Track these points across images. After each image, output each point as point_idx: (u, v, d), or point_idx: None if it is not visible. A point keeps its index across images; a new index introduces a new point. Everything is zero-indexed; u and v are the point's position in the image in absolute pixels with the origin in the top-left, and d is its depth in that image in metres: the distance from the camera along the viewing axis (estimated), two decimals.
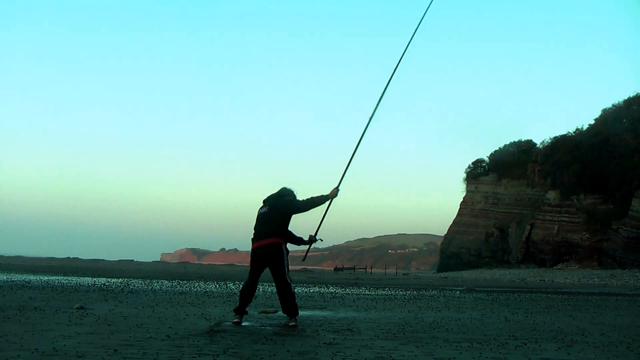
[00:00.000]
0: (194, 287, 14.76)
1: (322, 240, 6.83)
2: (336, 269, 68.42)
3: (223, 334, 5.42)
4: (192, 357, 4.13)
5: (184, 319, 6.65)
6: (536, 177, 64.31)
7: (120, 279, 17.95)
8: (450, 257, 71.17)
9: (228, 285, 16.65)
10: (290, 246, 6.61)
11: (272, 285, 14.66)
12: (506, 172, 68.66)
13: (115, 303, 8.57)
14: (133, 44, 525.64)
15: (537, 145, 67.92)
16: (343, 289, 16.83)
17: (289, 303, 6.38)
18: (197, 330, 5.58)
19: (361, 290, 16.79)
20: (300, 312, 6.84)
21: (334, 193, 6.69)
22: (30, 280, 15.16)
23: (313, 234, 6.80)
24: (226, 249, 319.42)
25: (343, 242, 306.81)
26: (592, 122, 61.32)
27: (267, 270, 6.52)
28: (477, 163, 75.21)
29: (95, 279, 17.35)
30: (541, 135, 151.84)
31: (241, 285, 6.42)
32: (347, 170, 6.93)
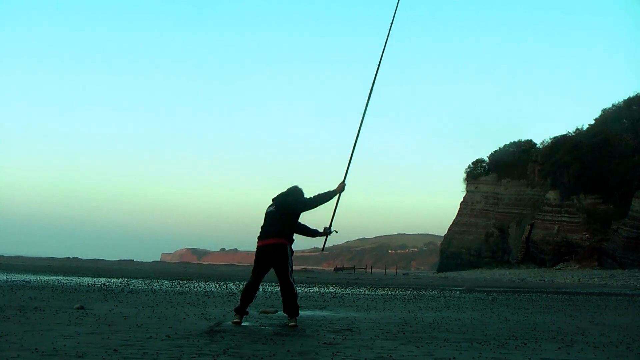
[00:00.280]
0: (194, 287, 14.76)
1: (337, 232, 6.81)
2: (336, 269, 68.46)
3: (223, 334, 5.42)
4: (192, 357, 4.13)
5: (184, 319, 6.65)
6: (536, 177, 64.32)
7: (120, 279, 17.95)
8: (450, 257, 71.18)
9: (228, 285, 16.65)
10: (293, 246, 6.61)
11: (272, 286, 14.72)
12: (506, 172, 68.68)
13: (115, 303, 8.56)
14: (133, 44, 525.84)
15: (537, 145, 67.98)
16: (343, 289, 16.83)
17: (290, 303, 6.39)
18: (197, 330, 5.58)
19: (361, 290, 16.79)
20: (300, 312, 6.84)
21: (341, 187, 6.70)
22: (30, 280, 15.15)
23: (327, 226, 6.79)
24: (226, 249, 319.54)
25: (343, 242, 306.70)
26: (592, 122, 61.40)
27: (268, 271, 6.53)
28: (477, 163, 75.25)
29: (95, 279, 17.35)
30: (541, 135, 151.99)
31: (242, 285, 6.42)
32: (351, 164, 6.93)
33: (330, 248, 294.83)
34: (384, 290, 17.17)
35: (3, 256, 66.60)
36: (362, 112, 7.16)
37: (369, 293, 14.96)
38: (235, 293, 12.31)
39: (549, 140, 65.08)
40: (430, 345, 5.12)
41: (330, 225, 6.80)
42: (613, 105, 60.88)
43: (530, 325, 7.19)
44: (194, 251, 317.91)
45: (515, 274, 44.51)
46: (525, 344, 5.36)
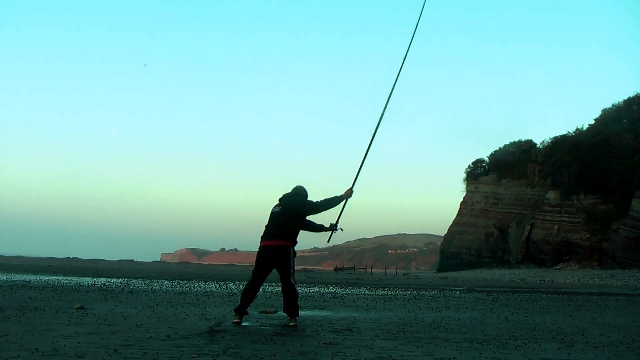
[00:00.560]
0: (194, 287, 14.76)
1: (342, 230, 6.83)
2: (336, 269, 68.44)
3: (223, 334, 5.41)
4: (192, 357, 4.13)
5: (184, 319, 6.64)
6: (536, 177, 64.29)
7: (120, 279, 17.95)
8: (450, 257, 71.14)
9: (228, 285, 16.64)
10: (296, 247, 6.61)
11: (272, 286, 14.73)
12: (506, 172, 68.63)
13: (115, 303, 8.56)
14: (133, 44, 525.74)
15: (537, 145, 67.93)
16: (343, 289, 16.83)
17: (291, 303, 6.40)
18: (197, 330, 5.58)
19: (361, 290, 16.79)
20: (300, 312, 6.84)
21: (348, 194, 6.70)
22: (30, 280, 15.15)
23: (334, 223, 6.80)
24: (226, 249, 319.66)
25: (343, 242, 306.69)
26: (592, 122, 61.32)
27: (270, 272, 6.52)
28: (477, 163, 75.21)
29: (95, 279, 17.35)
30: (541, 135, 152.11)
31: (242, 285, 6.41)
32: (361, 172, 6.92)
33: (330, 248, 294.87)
34: (384, 290, 17.17)
35: (3, 256, 66.61)
36: (377, 122, 7.16)
37: (369, 293, 14.96)
38: (235, 293, 12.31)
39: (549, 140, 65.08)
40: (430, 345, 5.12)
41: (337, 222, 6.81)
42: (613, 105, 60.87)
43: (530, 325, 7.19)
44: (194, 251, 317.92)
45: (515, 274, 44.49)
46: (525, 344, 5.35)
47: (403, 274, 61.45)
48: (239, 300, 6.45)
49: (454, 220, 74.29)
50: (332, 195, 6.68)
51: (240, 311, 6.35)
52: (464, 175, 75.28)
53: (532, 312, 9.64)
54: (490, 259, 65.62)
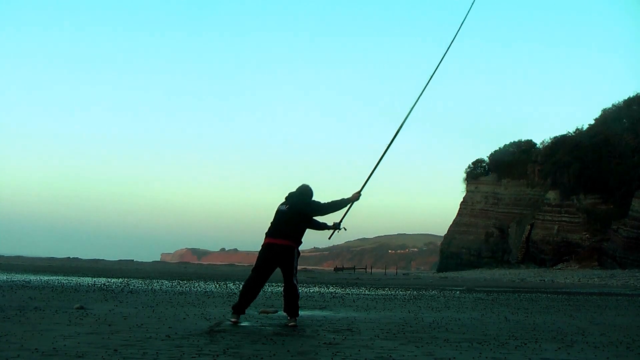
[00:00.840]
0: (194, 287, 14.75)
1: (345, 230, 6.85)
2: (336, 269, 68.43)
3: (223, 334, 5.41)
4: (192, 357, 4.13)
5: (184, 319, 6.64)
6: (536, 177, 64.29)
7: (120, 279, 17.94)
8: (450, 257, 71.15)
9: (228, 285, 16.64)
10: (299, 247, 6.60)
11: (272, 286, 14.73)
12: (506, 172, 68.64)
13: (115, 303, 8.56)
14: (133, 44, 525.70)
15: (537, 145, 67.94)
16: (343, 289, 16.82)
17: (291, 303, 6.40)
18: (197, 330, 5.58)
19: (361, 290, 16.78)
20: (300, 312, 6.84)
21: (356, 197, 6.68)
22: (30, 280, 15.15)
23: (338, 222, 6.81)
24: (226, 249, 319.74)
25: (343, 242, 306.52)
26: (592, 122, 61.33)
27: (273, 272, 6.50)
28: (477, 163, 75.22)
29: (95, 279, 17.34)
30: (541, 135, 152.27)
31: (242, 285, 6.36)
32: (372, 176, 6.93)
33: (330, 248, 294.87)
34: (384, 290, 17.16)
35: (3, 256, 66.60)
36: (397, 129, 7.19)
37: (369, 293, 14.95)
38: (235, 293, 12.30)
39: (549, 140, 65.09)
40: (430, 345, 5.12)
41: (341, 221, 6.82)
42: (613, 105, 60.87)
43: (530, 325, 7.18)
44: (194, 251, 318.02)
45: (515, 274, 44.49)
46: (525, 344, 5.35)
47: (403, 274, 61.44)
48: (238, 299, 6.38)
49: (454, 220, 74.29)
50: (340, 198, 6.67)
51: (239, 310, 6.32)
52: (464, 175, 75.37)
53: (532, 312, 9.63)
54: (490, 259, 65.62)
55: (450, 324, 7.03)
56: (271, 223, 6.55)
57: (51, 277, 17.65)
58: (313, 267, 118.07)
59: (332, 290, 15.59)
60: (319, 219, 6.75)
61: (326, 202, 6.65)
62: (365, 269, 75.31)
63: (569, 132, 62.62)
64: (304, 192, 6.67)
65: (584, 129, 60.81)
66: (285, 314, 6.54)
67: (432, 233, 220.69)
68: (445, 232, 76.19)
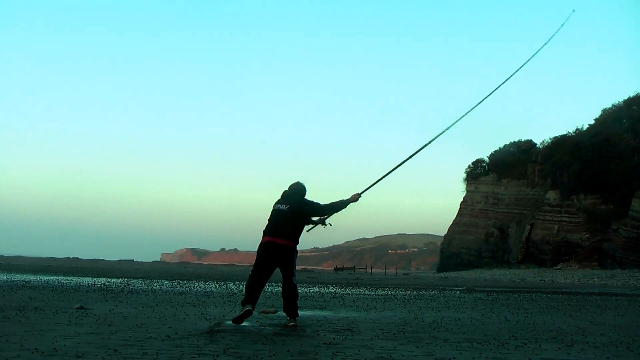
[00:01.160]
0: (194, 287, 14.75)
1: (331, 225, 6.86)
2: (336, 269, 68.36)
3: (223, 334, 5.42)
4: (192, 357, 4.13)
5: (184, 319, 6.64)
6: (536, 177, 64.28)
7: (120, 279, 17.95)
8: (450, 257, 71.14)
9: (228, 285, 16.64)
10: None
11: (272, 286, 14.72)
12: (506, 172, 68.62)
13: (115, 303, 8.56)
14: (133, 44, 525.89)
15: (537, 145, 67.93)
16: (343, 289, 16.82)
17: (291, 303, 6.40)
18: (197, 330, 5.58)
19: (361, 290, 16.78)
20: (300, 312, 6.84)
21: (355, 198, 6.68)
22: (30, 280, 15.15)
23: (324, 217, 6.82)
24: (226, 249, 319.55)
25: (343, 242, 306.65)
26: (592, 122, 61.31)
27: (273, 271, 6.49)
28: (477, 163, 75.19)
29: (95, 279, 17.35)
30: (541, 135, 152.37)
31: (242, 286, 6.32)
32: (377, 184, 6.93)
33: (330, 248, 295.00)
34: (384, 290, 17.16)
35: (3, 256, 66.58)
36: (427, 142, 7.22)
37: (369, 293, 14.95)
38: (235, 293, 12.31)
39: (549, 140, 65.09)
40: (430, 345, 5.12)
41: (326, 217, 6.81)
42: (613, 105, 60.85)
43: (530, 325, 7.18)
44: (194, 251, 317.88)
45: (515, 274, 44.48)
46: (525, 344, 5.35)
47: (403, 274, 61.43)
48: (245, 293, 6.20)
49: (454, 220, 74.27)
50: (339, 199, 6.67)
51: (252, 300, 6.09)
52: (464, 175, 75.34)
53: (532, 312, 9.64)
54: (490, 259, 65.62)
55: (450, 324, 7.03)
56: (269, 222, 6.53)
57: (51, 277, 17.65)
58: (313, 267, 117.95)
59: (332, 290, 15.59)
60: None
61: (326, 203, 6.64)
62: (365, 269, 75.27)
63: (569, 132, 62.69)
64: (301, 191, 6.67)
65: (584, 129, 60.81)
66: (284, 314, 6.54)
67: (432, 233, 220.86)
68: (445, 232, 76.18)
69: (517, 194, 66.71)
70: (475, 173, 73.76)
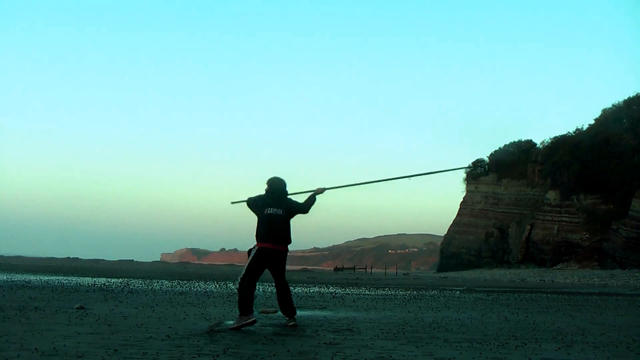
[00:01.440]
0: (194, 287, 14.76)
1: None
2: (336, 269, 68.39)
3: (223, 334, 5.42)
4: (192, 357, 4.13)
5: (184, 319, 6.64)
6: (536, 177, 64.31)
7: (120, 279, 17.95)
8: (450, 257, 71.16)
9: (228, 285, 16.64)
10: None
11: (272, 286, 14.67)
12: (506, 172, 68.65)
13: (115, 303, 8.56)
14: (133, 44, 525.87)
15: (537, 145, 67.98)
16: (343, 289, 16.82)
17: (289, 303, 6.40)
18: (197, 330, 5.58)
19: (361, 290, 16.78)
20: (300, 312, 6.85)
21: (320, 191, 6.74)
22: (30, 280, 15.15)
23: None
24: (226, 249, 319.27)
25: (343, 242, 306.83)
26: (592, 122, 61.35)
27: (266, 272, 6.50)
28: (477, 163, 75.22)
29: (95, 279, 17.35)
30: (541, 135, 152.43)
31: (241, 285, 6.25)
32: (345, 188, 7.10)
33: (330, 248, 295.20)
34: (384, 290, 17.16)
35: (3, 256, 66.58)
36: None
37: (369, 293, 14.95)
38: (235, 293, 12.29)
39: (549, 140, 65.14)
40: (430, 345, 5.12)
41: None
42: (613, 105, 60.89)
43: (530, 325, 7.18)
44: (194, 251, 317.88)
45: (515, 274, 44.49)
46: (525, 344, 5.35)
47: (403, 274, 61.42)
48: (245, 303, 6.04)
49: (454, 220, 74.29)
50: (309, 196, 6.71)
51: (252, 308, 6.10)
52: (464, 175, 75.37)
53: (532, 312, 9.63)
54: (490, 259, 65.63)
55: (450, 324, 7.03)
56: (265, 226, 6.32)
57: (51, 277, 17.65)
58: (313, 267, 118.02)
59: (332, 290, 15.59)
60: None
61: (305, 201, 6.66)
62: (365, 269, 75.27)
63: (569, 132, 62.76)
64: (286, 190, 6.62)
65: (584, 129, 60.86)
66: (284, 314, 6.52)
67: (432, 233, 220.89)
68: (445, 232, 76.21)
69: (517, 194, 66.73)
70: (475, 173, 73.76)
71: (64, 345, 4.44)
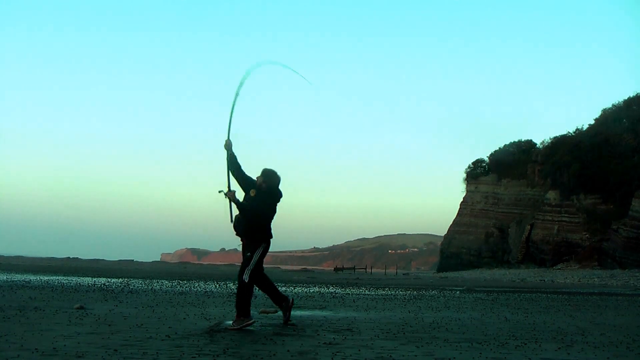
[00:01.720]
0: (194, 287, 14.76)
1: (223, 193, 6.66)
2: (336, 269, 68.38)
3: (223, 334, 5.42)
4: (192, 357, 4.13)
5: (184, 319, 6.65)
6: (536, 177, 64.31)
7: (120, 279, 17.95)
8: (450, 257, 71.16)
9: (228, 285, 16.64)
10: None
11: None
12: (506, 172, 68.68)
13: (115, 303, 8.56)
14: (133, 44, 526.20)
15: (537, 145, 68.01)
16: (343, 289, 16.82)
17: (276, 292, 6.49)
18: (197, 330, 5.58)
19: (361, 290, 16.78)
20: (300, 312, 6.85)
21: (228, 143, 6.50)
22: (30, 280, 15.15)
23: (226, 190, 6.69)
24: (226, 249, 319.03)
25: (343, 242, 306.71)
26: (592, 122, 61.46)
27: (266, 271, 6.54)
28: (477, 163, 75.25)
29: (95, 279, 17.35)
30: (541, 135, 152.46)
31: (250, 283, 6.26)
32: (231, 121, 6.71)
33: (330, 248, 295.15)
34: (384, 290, 17.16)
35: (3, 256, 66.62)
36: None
37: (369, 293, 14.95)
38: (235, 293, 12.30)
39: (549, 140, 65.17)
40: (430, 345, 5.12)
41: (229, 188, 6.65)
42: (613, 105, 60.98)
43: (530, 325, 7.18)
44: (194, 251, 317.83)
45: (515, 274, 44.49)
46: (525, 344, 5.35)
47: (403, 274, 61.44)
48: (248, 304, 6.12)
49: (454, 220, 74.30)
50: (229, 160, 6.49)
51: (249, 312, 6.15)
52: (464, 175, 75.43)
53: (532, 312, 9.64)
54: (490, 259, 65.63)
55: (450, 324, 7.03)
56: (269, 221, 6.57)
57: (51, 277, 17.66)
58: (313, 267, 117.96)
59: (332, 290, 15.59)
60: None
61: (243, 173, 6.56)
62: (365, 269, 75.28)
63: (569, 132, 62.82)
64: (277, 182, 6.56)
65: (584, 129, 60.91)
66: (280, 309, 6.56)
67: (432, 233, 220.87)
68: (445, 232, 76.21)
69: (517, 194, 66.74)
70: (475, 173, 73.81)
71: (64, 345, 4.44)
